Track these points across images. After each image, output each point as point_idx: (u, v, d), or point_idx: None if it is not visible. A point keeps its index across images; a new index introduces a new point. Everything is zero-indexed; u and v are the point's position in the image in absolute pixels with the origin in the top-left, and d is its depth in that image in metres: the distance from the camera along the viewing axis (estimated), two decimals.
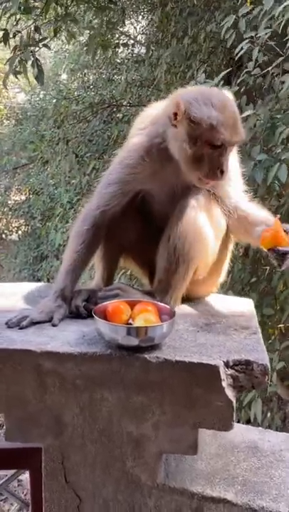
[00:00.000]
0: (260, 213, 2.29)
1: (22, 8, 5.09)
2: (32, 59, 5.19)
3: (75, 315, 2.18)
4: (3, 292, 2.43)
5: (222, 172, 2.14)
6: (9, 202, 13.77)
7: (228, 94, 2.26)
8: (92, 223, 2.28)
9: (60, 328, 2.08)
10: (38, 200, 12.13)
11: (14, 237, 13.92)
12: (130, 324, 1.99)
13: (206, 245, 2.25)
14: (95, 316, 1.95)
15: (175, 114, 2.13)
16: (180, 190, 2.27)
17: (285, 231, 2.07)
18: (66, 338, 2.01)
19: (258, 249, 5.39)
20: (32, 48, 5.31)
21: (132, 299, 2.12)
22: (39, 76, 5.24)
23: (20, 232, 13.77)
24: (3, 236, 13.76)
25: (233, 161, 2.28)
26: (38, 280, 11.64)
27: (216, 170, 2.13)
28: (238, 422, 5.50)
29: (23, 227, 13.69)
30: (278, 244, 2.05)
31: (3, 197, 13.66)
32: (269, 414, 5.69)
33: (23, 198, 13.71)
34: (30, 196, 12.96)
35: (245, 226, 2.28)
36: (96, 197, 2.33)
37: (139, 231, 2.38)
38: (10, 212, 13.59)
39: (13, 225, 13.91)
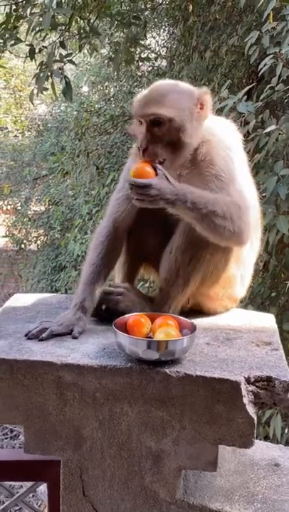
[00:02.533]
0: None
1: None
2: (61, 76, 5.21)
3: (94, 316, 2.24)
4: (24, 303, 2.44)
5: (142, 149, 2.14)
6: (29, 212, 13.87)
7: (184, 84, 2.31)
8: (106, 234, 2.33)
9: (80, 341, 2.08)
10: (57, 211, 12.20)
11: (33, 247, 13.99)
12: (150, 338, 1.98)
13: (208, 260, 2.24)
14: (115, 329, 1.94)
15: None
16: None
17: (154, 168, 2.06)
18: (86, 350, 2.01)
19: (277, 263, 5.39)
20: (60, 65, 5.34)
21: (153, 313, 2.12)
22: (67, 92, 5.26)
23: (39, 242, 13.83)
24: (23, 246, 13.82)
25: (227, 161, 2.25)
26: (56, 291, 11.68)
27: (138, 145, 2.17)
28: (257, 438, 5.44)
29: (42, 237, 13.76)
30: (142, 177, 2.03)
31: (23, 207, 13.77)
32: (287, 431, 5.61)
33: (43, 208, 13.79)
34: (50, 207, 13.04)
35: None
36: (108, 208, 2.41)
37: (159, 240, 2.38)
38: (29, 223, 13.68)
39: (33, 235, 13.98)
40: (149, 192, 2.00)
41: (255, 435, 1.89)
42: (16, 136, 16.48)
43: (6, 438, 9.27)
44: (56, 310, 2.36)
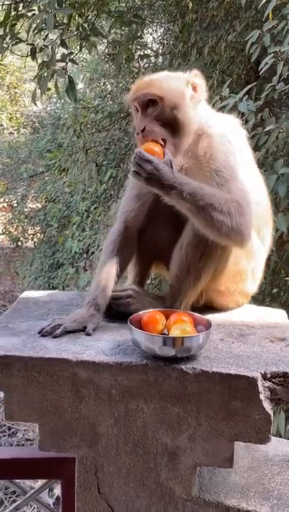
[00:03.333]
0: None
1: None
2: (66, 77, 5.18)
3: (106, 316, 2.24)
4: (35, 300, 2.43)
5: (140, 130, 2.17)
6: (25, 209, 13.84)
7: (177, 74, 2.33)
8: (117, 233, 2.36)
9: (95, 338, 2.08)
10: (54, 208, 12.18)
11: (30, 244, 13.97)
12: (165, 334, 1.97)
13: (219, 255, 2.23)
14: (131, 326, 1.93)
15: None
16: None
17: (161, 145, 2.10)
18: (101, 347, 2.00)
19: (278, 259, 5.39)
20: (63, 64, 5.31)
21: (166, 309, 2.12)
22: (71, 92, 5.22)
23: (36, 239, 13.82)
24: (19, 243, 13.79)
25: (227, 155, 2.24)
26: (54, 288, 11.66)
27: (136, 131, 2.20)
28: None
29: (39, 234, 13.74)
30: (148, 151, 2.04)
31: (19, 205, 13.75)
32: None
33: (40, 205, 13.77)
34: (47, 204, 13.02)
35: None
36: (119, 207, 2.44)
37: (171, 238, 2.38)
38: (26, 220, 13.67)
39: (29, 233, 13.96)
40: (148, 167, 2.01)
41: (271, 431, 1.89)
42: (11, 133, 16.42)
43: (4, 435, 9.24)
44: (68, 307, 2.35)
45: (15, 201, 14.06)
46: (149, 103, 2.19)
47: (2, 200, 14.47)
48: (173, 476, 1.96)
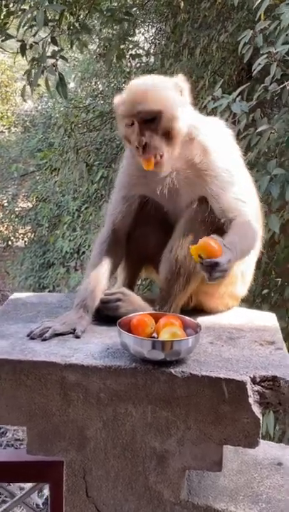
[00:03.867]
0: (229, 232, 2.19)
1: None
2: (56, 74, 5.15)
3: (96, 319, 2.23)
4: (24, 302, 2.42)
5: (141, 146, 2.13)
6: (16, 209, 13.79)
7: (163, 79, 2.30)
8: (106, 236, 2.37)
9: (84, 341, 2.07)
10: (45, 208, 12.14)
11: (20, 243, 13.91)
12: (154, 337, 1.97)
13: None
14: (120, 329, 1.92)
15: None
16: (177, 196, 2.28)
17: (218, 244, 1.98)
18: (90, 350, 1.99)
19: (268, 260, 5.39)
20: (52, 61, 5.28)
21: (156, 312, 2.11)
22: (62, 89, 5.18)
23: (26, 239, 13.76)
24: (10, 243, 13.74)
25: (226, 162, 2.28)
26: (44, 288, 11.63)
27: (136, 145, 2.15)
28: None
29: (30, 234, 13.69)
30: (207, 254, 1.94)
31: (10, 204, 13.69)
32: (278, 427, 5.63)
33: (30, 205, 13.72)
34: (37, 203, 12.97)
35: None
36: (107, 210, 2.43)
37: (160, 241, 2.37)
38: (17, 219, 13.61)
39: (20, 232, 13.90)
40: (218, 268, 1.93)
41: (260, 435, 1.88)
42: (2, 132, 16.36)
43: None
44: (57, 310, 2.34)
45: (5, 200, 14.00)
46: (147, 118, 2.15)
47: None
48: (161, 480, 1.95)
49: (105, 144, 9.77)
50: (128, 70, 10.62)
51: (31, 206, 13.52)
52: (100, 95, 11.30)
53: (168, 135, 2.18)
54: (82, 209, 9.92)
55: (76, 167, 8.81)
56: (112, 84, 11.14)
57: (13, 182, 13.92)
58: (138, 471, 1.96)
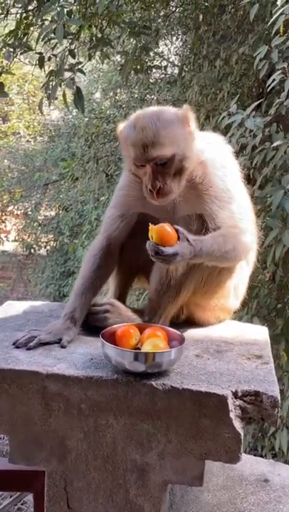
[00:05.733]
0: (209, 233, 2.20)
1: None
2: (74, 87, 5.16)
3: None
4: (16, 311, 2.43)
5: (154, 191, 2.12)
6: (39, 217, 13.91)
7: (172, 111, 2.24)
8: (98, 248, 2.35)
9: (69, 350, 2.07)
10: (67, 217, 12.21)
11: (42, 252, 14.01)
12: (139, 349, 1.96)
13: (201, 268, 2.21)
14: (102, 340, 1.92)
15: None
16: (174, 214, 2.26)
17: (176, 231, 2.00)
18: (73, 360, 1.99)
19: (284, 274, 5.33)
20: (71, 75, 5.29)
21: (142, 323, 2.10)
22: (79, 103, 5.19)
23: (48, 247, 13.86)
24: (32, 251, 13.85)
25: (224, 180, 2.27)
26: (64, 296, 11.67)
27: (147, 189, 2.14)
28: (262, 451, 5.39)
29: (52, 242, 13.79)
30: (157, 238, 1.96)
31: (33, 212, 13.81)
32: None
33: (53, 213, 13.82)
34: (60, 212, 13.05)
35: None
36: (103, 222, 2.42)
37: None
38: (39, 228, 13.72)
39: (42, 240, 14.00)
40: (174, 259, 1.98)
41: (241, 450, 1.86)
42: (28, 141, 16.54)
43: None
44: (47, 318, 2.35)
45: (29, 209, 14.13)
46: (159, 162, 2.13)
47: (17, 207, 14.54)
48: (142, 493, 1.94)
49: None
50: (152, 81, 10.68)
51: (54, 215, 13.62)
52: (123, 106, 11.35)
53: (179, 173, 2.17)
54: (102, 218, 9.95)
55: (96, 177, 8.85)
56: (136, 95, 11.19)
57: (37, 190, 14.04)
58: (119, 484, 1.94)
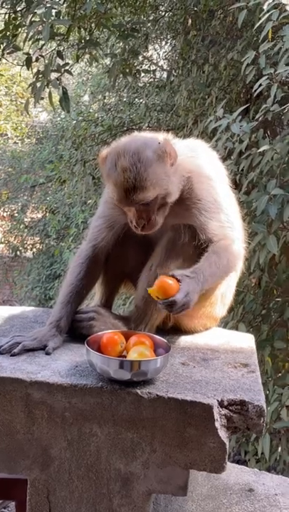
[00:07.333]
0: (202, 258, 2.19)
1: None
2: (59, 88, 5.14)
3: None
4: (1, 316, 2.39)
5: (139, 227, 2.13)
6: (25, 219, 13.83)
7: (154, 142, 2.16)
8: (85, 257, 2.32)
9: (53, 357, 2.04)
10: (53, 219, 12.16)
11: (29, 254, 13.94)
12: (124, 357, 1.93)
13: None
14: (87, 347, 1.90)
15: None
16: (163, 225, 2.23)
17: (174, 277, 2.01)
18: (58, 367, 1.96)
19: (269, 280, 5.34)
20: (57, 75, 5.28)
21: (128, 331, 2.08)
22: (65, 103, 5.18)
23: (34, 249, 13.78)
24: (18, 253, 13.76)
25: (211, 192, 2.26)
26: (50, 299, 11.61)
27: (134, 224, 2.14)
28: (245, 455, 5.38)
29: (38, 244, 13.72)
30: (163, 295, 1.97)
31: (19, 214, 13.73)
32: (279, 449, 5.51)
33: (40, 216, 13.76)
34: (47, 215, 12.99)
35: None
36: (88, 231, 2.39)
37: (140, 260, 2.35)
38: (26, 230, 13.65)
39: (28, 243, 13.93)
40: (189, 299, 1.99)
41: (226, 460, 1.84)
42: (15, 143, 16.46)
43: None
44: (32, 324, 2.32)
45: (15, 211, 14.05)
46: (144, 204, 2.12)
47: (3, 209, 14.45)
48: (126, 503, 1.91)
49: None
50: (141, 84, 10.68)
51: (40, 217, 13.56)
52: (111, 109, 11.33)
53: (163, 206, 2.17)
54: (88, 221, 9.91)
55: (83, 180, 8.81)
56: (124, 99, 11.18)
57: (24, 192, 13.96)
58: (102, 493, 1.92)
